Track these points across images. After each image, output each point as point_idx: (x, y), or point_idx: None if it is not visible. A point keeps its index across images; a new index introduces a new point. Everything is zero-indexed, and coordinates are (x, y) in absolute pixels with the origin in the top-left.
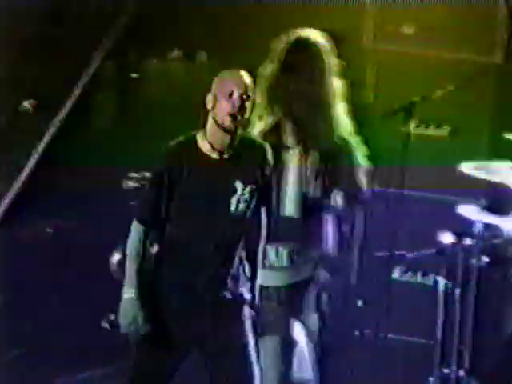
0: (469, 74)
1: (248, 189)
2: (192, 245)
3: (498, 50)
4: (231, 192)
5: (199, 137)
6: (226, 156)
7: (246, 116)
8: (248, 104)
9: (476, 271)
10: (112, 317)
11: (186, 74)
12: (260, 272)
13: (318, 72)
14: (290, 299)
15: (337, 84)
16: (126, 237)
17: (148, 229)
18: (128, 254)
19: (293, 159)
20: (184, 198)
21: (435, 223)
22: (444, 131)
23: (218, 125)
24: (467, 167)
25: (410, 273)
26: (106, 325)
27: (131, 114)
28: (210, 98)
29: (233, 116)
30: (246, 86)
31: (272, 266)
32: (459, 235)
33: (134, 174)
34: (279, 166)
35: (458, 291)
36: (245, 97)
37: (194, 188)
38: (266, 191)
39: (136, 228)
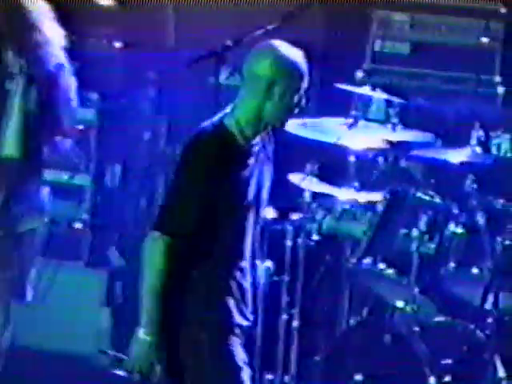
0: (290, 8)
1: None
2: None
3: None
4: (263, 186)
5: (227, 121)
6: (254, 142)
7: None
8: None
9: (304, 252)
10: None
11: None
12: None
13: None
14: None
15: None
16: None
17: (176, 242)
18: (145, 281)
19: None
20: (224, 203)
21: None
22: None
23: (263, 120)
24: (293, 125)
25: None
26: (119, 371)
27: None
28: (263, 83)
29: (290, 115)
30: (306, 79)
31: None
32: (283, 209)
33: None
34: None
35: (283, 278)
36: (304, 92)
37: (233, 189)
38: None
39: (157, 244)
